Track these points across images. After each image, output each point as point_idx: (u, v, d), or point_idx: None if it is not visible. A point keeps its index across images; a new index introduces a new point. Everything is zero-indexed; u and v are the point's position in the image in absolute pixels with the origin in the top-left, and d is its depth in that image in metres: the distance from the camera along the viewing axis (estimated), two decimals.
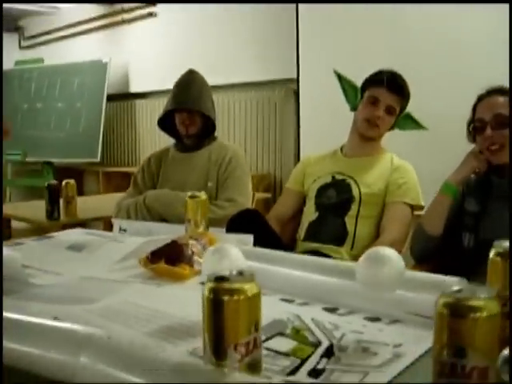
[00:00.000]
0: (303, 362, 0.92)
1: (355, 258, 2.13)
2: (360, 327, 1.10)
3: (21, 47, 7.87)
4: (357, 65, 2.37)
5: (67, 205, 3.17)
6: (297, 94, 4.63)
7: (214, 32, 5.35)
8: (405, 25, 3.76)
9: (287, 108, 4.91)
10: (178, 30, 5.70)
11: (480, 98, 1.97)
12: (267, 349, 0.97)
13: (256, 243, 1.69)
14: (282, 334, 1.05)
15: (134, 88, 6.37)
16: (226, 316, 0.73)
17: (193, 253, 1.57)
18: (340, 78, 2.44)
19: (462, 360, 0.63)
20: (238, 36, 5.17)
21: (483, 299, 0.65)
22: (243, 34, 5.12)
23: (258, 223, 2.04)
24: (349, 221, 2.22)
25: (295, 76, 4.59)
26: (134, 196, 2.71)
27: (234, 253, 1.28)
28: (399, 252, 2.08)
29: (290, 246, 2.31)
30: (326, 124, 3.69)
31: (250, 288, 0.75)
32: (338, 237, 2.21)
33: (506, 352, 0.66)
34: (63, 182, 3.16)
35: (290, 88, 4.81)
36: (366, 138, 2.34)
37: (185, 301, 1.25)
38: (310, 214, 2.32)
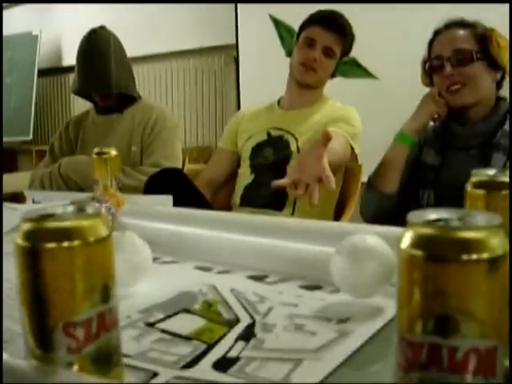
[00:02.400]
0: (210, 347, 0.64)
1: None
2: (294, 298, 0.81)
3: None
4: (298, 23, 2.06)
5: None
6: (237, 60, 4.34)
7: None
8: None
9: (227, 76, 4.63)
10: None
11: (437, 32, 1.70)
12: (163, 331, 0.69)
13: (178, 206, 1.40)
14: (187, 311, 0.77)
15: (68, 61, 5.95)
16: (47, 275, 0.43)
17: None
18: (276, 22, 2.14)
19: (450, 338, 0.35)
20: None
21: (484, 229, 0.37)
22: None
23: (179, 183, 1.73)
24: None
25: (234, 42, 4.30)
26: (49, 165, 2.39)
27: None
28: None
29: None
30: (267, 92, 3.41)
31: (90, 228, 0.44)
32: (277, 200, 1.92)
33: None
34: None
35: (230, 55, 4.52)
36: (303, 85, 2.03)
37: None
38: (245, 176, 2.03)
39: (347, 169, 2.06)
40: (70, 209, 0.47)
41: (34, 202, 1.87)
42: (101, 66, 2.31)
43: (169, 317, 0.75)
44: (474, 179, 0.67)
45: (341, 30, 1.97)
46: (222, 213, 1.23)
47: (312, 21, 1.98)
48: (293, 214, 1.89)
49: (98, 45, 2.34)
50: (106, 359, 0.46)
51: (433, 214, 0.39)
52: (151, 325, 0.72)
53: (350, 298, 0.79)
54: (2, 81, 5.66)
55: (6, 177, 3.23)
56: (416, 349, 0.36)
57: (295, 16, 2.10)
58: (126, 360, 0.61)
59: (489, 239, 0.36)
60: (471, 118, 1.66)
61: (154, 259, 1.03)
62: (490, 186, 0.65)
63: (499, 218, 0.37)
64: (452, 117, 1.71)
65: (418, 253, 0.36)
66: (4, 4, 6.38)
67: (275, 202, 1.91)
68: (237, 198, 2.01)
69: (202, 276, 0.95)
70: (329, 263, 0.86)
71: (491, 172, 0.67)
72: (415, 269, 0.36)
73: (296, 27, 2.08)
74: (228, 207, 2.06)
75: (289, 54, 2.07)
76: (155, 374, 0.58)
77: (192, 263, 1.02)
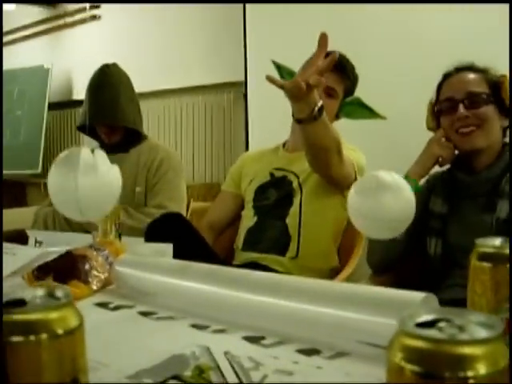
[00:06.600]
0: None
1: (301, 269, 1.81)
2: (290, 365, 0.77)
3: None
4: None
5: None
6: (245, 97, 4.34)
7: (159, 34, 5.04)
8: (359, 22, 3.46)
9: (237, 113, 4.61)
10: (122, 32, 5.37)
11: (447, 76, 1.68)
12: None
13: (179, 254, 1.36)
14: (177, 378, 0.73)
15: (78, 95, 5.98)
16: (12, 370, 0.39)
17: (91, 267, 1.24)
18: (278, 67, 2.11)
19: None
20: (183, 38, 4.86)
21: (483, 342, 0.33)
22: (189, 36, 4.82)
23: (181, 229, 1.70)
24: (291, 222, 1.89)
25: (243, 79, 4.30)
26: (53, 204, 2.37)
27: None
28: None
29: (228, 257, 1.99)
30: (276, 130, 3.39)
31: (58, 320, 0.41)
32: (280, 244, 1.88)
33: None
34: None
35: (240, 91, 4.51)
36: None
37: None
38: (248, 219, 1.99)
39: None
40: (40, 293, 0.43)
41: (36, 241, 1.85)
42: (109, 98, 2.32)
43: None
44: (478, 250, 0.63)
45: (342, 69, 1.94)
46: (222, 268, 1.19)
47: None
48: (296, 257, 1.85)
49: (108, 78, 2.36)
50: None
51: (426, 315, 0.36)
52: None
53: (349, 364, 0.75)
54: (1, 106, 5.67)
55: (12, 212, 3.20)
56: None
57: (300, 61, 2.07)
58: None
59: (488, 354, 0.32)
60: (477, 165, 1.64)
61: (150, 314, 1.00)
62: (495, 258, 0.61)
63: (501, 324, 0.34)
64: (458, 166, 1.68)
65: (408, 366, 0.33)
66: (16, 37, 6.44)
67: (278, 245, 1.87)
68: (239, 241, 1.98)
69: (196, 336, 0.91)
70: (327, 324, 0.83)
71: (496, 242, 0.63)
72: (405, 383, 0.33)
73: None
74: (231, 251, 2.02)
75: None
76: None
77: (188, 320, 0.98)
